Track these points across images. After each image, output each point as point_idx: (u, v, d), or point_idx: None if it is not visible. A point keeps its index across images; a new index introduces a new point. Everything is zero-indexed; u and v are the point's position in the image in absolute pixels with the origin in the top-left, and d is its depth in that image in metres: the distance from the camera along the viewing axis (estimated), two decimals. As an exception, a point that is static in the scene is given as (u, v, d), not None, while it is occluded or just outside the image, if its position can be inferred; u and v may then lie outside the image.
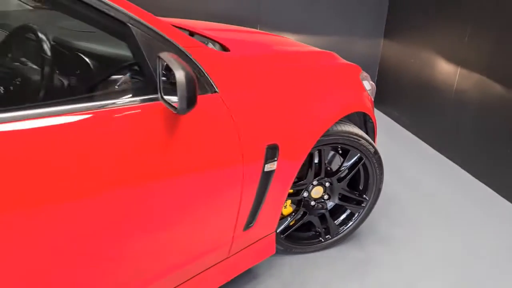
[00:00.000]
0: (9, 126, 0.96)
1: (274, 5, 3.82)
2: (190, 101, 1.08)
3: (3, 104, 1.34)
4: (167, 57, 1.13)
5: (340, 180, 1.98)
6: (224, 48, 1.67)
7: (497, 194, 2.73)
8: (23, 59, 1.50)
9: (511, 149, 2.61)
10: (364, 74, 2.14)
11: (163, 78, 1.16)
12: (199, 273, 1.50)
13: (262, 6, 3.79)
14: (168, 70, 1.14)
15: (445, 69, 3.24)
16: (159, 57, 1.15)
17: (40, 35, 1.32)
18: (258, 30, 2.52)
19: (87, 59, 1.36)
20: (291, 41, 2.36)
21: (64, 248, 1.06)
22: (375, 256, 2.08)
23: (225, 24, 2.54)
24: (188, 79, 1.07)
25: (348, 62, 2.10)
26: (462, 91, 3.08)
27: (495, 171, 2.77)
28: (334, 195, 2.02)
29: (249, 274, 1.90)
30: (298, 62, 1.80)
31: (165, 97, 1.16)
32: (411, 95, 3.75)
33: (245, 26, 2.88)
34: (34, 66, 1.37)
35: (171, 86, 1.15)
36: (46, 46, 1.29)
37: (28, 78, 1.34)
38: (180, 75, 1.06)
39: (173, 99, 1.14)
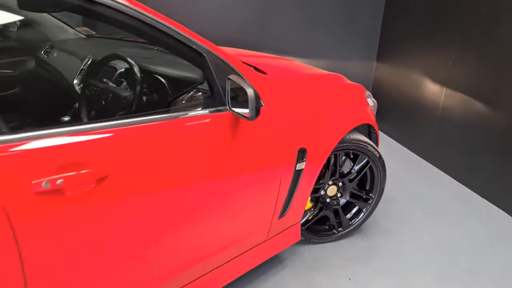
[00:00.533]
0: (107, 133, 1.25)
1: (277, 32, 4.26)
2: (258, 111, 1.46)
3: (103, 115, 1.71)
4: (236, 79, 1.52)
5: (351, 180, 2.37)
6: (260, 71, 2.07)
7: (476, 195, 3.16)
8: (105, 79, 1.88)
9: (492, 157, 3.06)
10: (368, 92, 2.56)
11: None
12: (247, 251, 1.86)
13: (267, 32, 4.23)
14: (234, 88, 1.53)
15: (432, 89, 3.70)
16: (229, 78, 1.54)
17: (130, 61, 1.70)
18: (274, 56, 2.93)
19: (166, 80, 1.74)
20: (303, 64, 2.77)
21: (170, 218, 1.43)
22: (379, 245, 2.46)
23: (249, 50, 2.94)
24: (256, 94, 1.45)
25: (355, 83, 2.52)
26: (447, 108, 3.53)
27: (475, 176, 3.20)
28: (346, 193, 2.40)
29: (276, 259, 2.26)
30: (318, 82, 2.20)
31: (233, 108, 1.54)
32: (402, 112, 4.20)
33: (253, 50, 3.30)
34: (123, 85, 1.75)
35: (236, 100, 1.53)
36: (136, 70, 1.67)
37: (119, 95, 1.72)
38: (250, 91, 1.44)
39: (239, 110, 1.52)
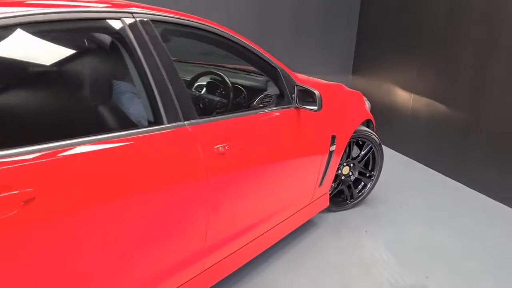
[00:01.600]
0: (218, 123, 1.93)
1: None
2: (321, 105, 2.21)
3: (207, 113, 2.40)
4: (302, 85, 2.27)
5: (359, 162, 3.17)
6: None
7: (441, 174, 4.08)
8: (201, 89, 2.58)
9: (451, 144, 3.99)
10: (364, 97, 3.39)
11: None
12: (302, 209, 2.59)
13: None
14: (300, 92, 2.28)
15: (402, 95, 4.64)
16: (297, 85, 2.29)
17: (223, 75, 2.41)
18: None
19: (246, 88, 2.46)
20: (308, 76, 3.56)
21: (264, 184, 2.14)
22: (381, 211, 3.27)
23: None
24: (320, 94, 2.21)
25: (354, 90, 3.34)
26: (415, 110, 4.46)
27: (439, 161, 4.13)
28: (355, 172, 3.20)
29: (309, 223, 2.99)
30: (335, 89, 3.00)
31: (301, 105, 2.28)
32: (378, 116, 5.08)
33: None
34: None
35: (303, 100, 2.27)
36: (228, 81, 2.38)
37: (213, 100, 2.41)
38: (317, 93, 2.19)
39: (306, 106, 2.26)
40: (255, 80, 2.61)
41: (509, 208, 3.45)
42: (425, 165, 4.34)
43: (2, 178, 1.13)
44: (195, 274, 1.83)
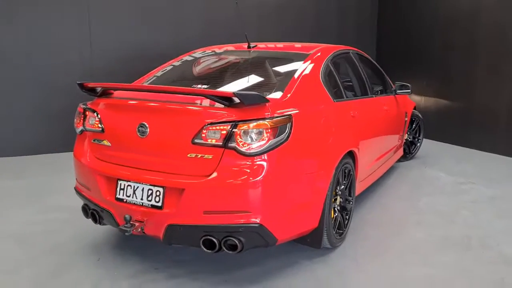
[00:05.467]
0: (368, 100, 4.21)
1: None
2: (411, 91, 4.46)
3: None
4: (399, 82, 4.52)
5: (412, 130, 5.43)
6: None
7: (447, 143, 6.41)
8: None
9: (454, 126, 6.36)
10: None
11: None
12: (397, 150, 4.78)
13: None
14: (397, 86, 4.52)
15: (416, 98, 7.02)
16: (395, 82, 4.53)
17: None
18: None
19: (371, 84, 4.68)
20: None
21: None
22: (427, 160, 5.49)
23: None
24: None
25: (401, 91, 5.64)
26: (426, 106, 6.84)
27: (443, 135, 6.47)
28: (410, 137, 5.44)
29: (392, 168, 5.15)
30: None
31: (398, 92, 4.51)
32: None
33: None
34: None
35: (399, 89, 4.51)
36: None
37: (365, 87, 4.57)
38: (410, 86, 4.45)
39: (401, 92, 4.50)
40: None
41: (491, 153, 5.81)
42: (437, 140, 6.68)
43: (351, 109, 3.26)
44: (376, 168, 3.97)
